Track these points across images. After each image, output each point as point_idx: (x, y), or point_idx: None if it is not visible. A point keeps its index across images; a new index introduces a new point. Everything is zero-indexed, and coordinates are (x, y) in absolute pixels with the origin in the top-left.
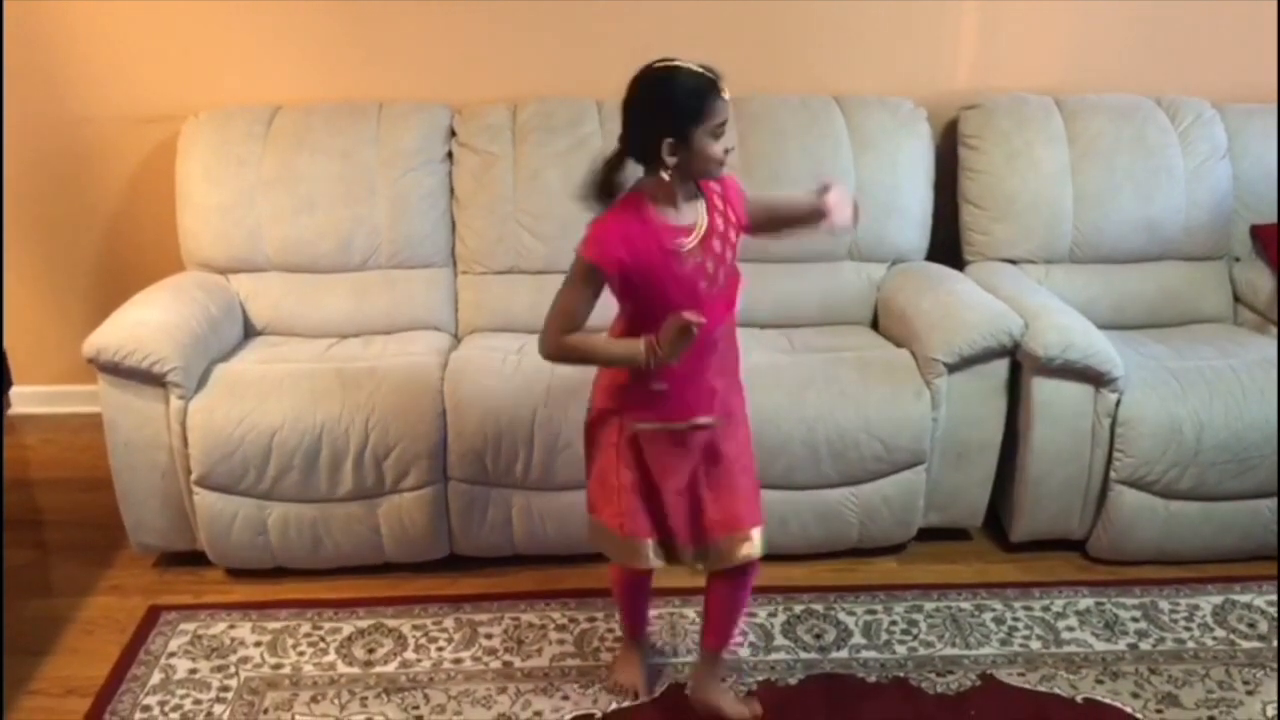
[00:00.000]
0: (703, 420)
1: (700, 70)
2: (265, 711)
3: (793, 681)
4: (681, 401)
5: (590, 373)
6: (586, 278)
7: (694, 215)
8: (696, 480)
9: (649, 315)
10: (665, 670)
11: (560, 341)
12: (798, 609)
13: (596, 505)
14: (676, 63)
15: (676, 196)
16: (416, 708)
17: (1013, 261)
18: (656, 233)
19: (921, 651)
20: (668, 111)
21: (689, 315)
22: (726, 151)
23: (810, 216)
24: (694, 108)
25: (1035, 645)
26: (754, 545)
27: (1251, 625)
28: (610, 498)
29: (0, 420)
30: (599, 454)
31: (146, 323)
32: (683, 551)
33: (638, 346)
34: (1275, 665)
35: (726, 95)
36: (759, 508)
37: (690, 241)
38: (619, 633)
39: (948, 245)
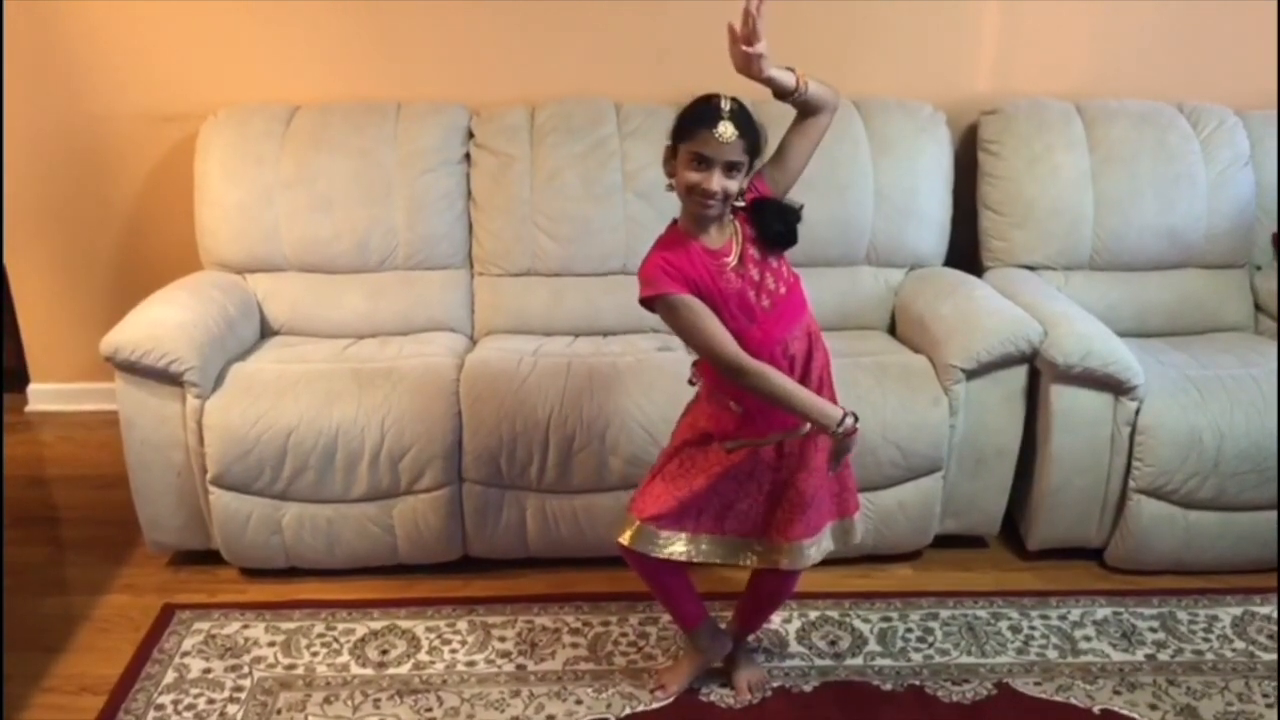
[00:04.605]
0: (778, 435)
1: (713, 97)
2: (278, 712)
3: (807, 689)
4: (768, 417)
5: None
6: (680, 306)
7: (726, 238)
8: (782, 484)
9: None
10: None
11: (749, 359)
12: (813, 615)
13: (644, 501)
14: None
15: (707, 223)
16: (429, 710)
17: (1031, 268)
18: (697, 256)
19: (937, 660)
20: (676, 122)
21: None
22: (701, 190)
23: (803, 107)
24: (683, 124)
25: (1052, 655)
26: (787, 557)
27: (1271, 637)
28: (668, 492)
29: None
30: (687, 472)
31: (164, 322)
32: (742, 544)
33: (836, 411)
34: (1278, 673)
35: (721, 133)
36: (812, 522)
37: (732, 260)
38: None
39: (966, 251)
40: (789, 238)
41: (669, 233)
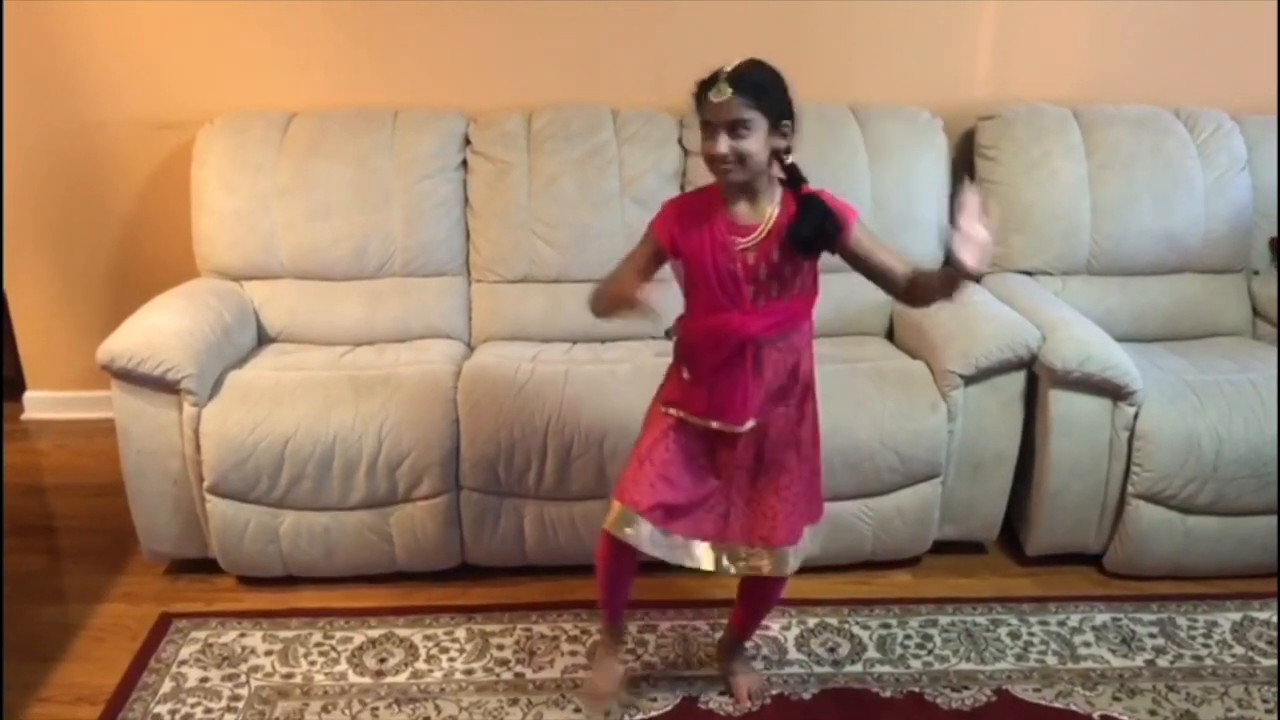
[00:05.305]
0: (716, 424)
1: (717, 69)
2: None
3: (806, 696)
4: (709, 398)
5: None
6: (645, 239)
7: (759, 218)
8: (739, 483)
9: (695, 304)
10: (677, 682)
11: (602, 287)
12: (811, 622)
13: (635, 492)
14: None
15: (738, 194)
16: (428, 718)
17: (1029, 273)
18: (714, 223)
19: (936, 666)
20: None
21: (644, 296)
22: (709, 156)
23: (909, 290)
24: (694, 102)
25: (1051, 661)
26: (770, 564)
27: (1271, 642)
28: (631, 467)
29: None
30: (642, 433)
31: (160, 329)
32: (711, 550)
33: (600, 289)
34: (1278, 678)
35: (716, 97)
36: (794, 528)
37: (746, 242)
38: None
39: None
40: (809, 245)
41: (712, 188)
